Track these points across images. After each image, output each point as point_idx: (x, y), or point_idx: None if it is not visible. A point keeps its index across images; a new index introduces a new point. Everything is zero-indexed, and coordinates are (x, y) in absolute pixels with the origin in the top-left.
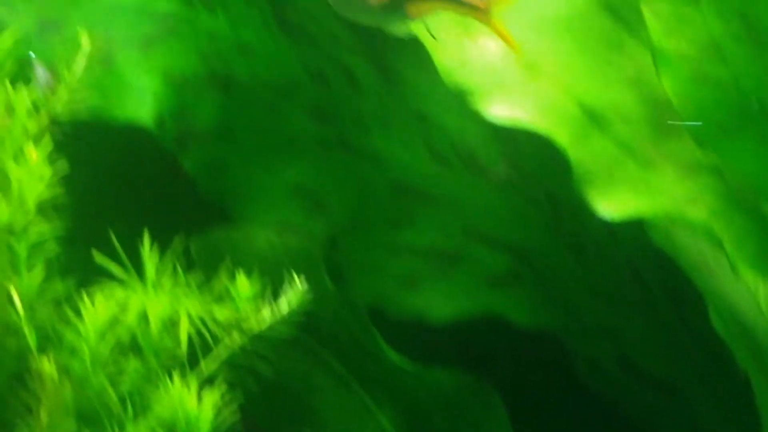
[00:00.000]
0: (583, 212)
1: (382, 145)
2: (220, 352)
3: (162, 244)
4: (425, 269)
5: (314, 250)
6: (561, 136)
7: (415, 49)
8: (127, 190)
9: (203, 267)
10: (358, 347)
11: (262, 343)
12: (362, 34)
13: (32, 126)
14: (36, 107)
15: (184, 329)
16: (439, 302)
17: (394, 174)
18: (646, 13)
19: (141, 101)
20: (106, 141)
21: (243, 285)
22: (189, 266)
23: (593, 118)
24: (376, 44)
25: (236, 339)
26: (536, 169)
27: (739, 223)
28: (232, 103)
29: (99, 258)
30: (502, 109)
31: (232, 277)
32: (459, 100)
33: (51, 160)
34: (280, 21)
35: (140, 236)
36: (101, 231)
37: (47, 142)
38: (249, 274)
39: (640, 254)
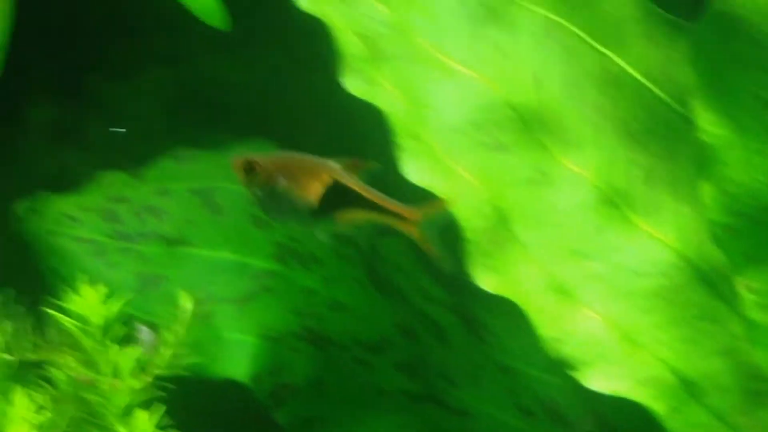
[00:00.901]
0: None
1: (469, 398)
2: None
3: None
4: None
5: None
6: (658, 406)
7: (501, 302)
8: None
9: None
10: None
11: None
12: (450, 288)
13: (137, 385)
14: (140, 367)
15: None
16: None
17: (480, 428)
18: (740, 287)
19: (237, 357)
20: (204, 396)
21: None
22: None
23: (689, 389)
24: (463, 298)
25: None
26: (618, 421)
27: None
28: (325, 358)
29: None
30: (602, 381)
31: None
32: (558, 367)
33: (154, 418)
34: (372, 275)
35: None
36: None
37: (150, 401)
38: None
39: None
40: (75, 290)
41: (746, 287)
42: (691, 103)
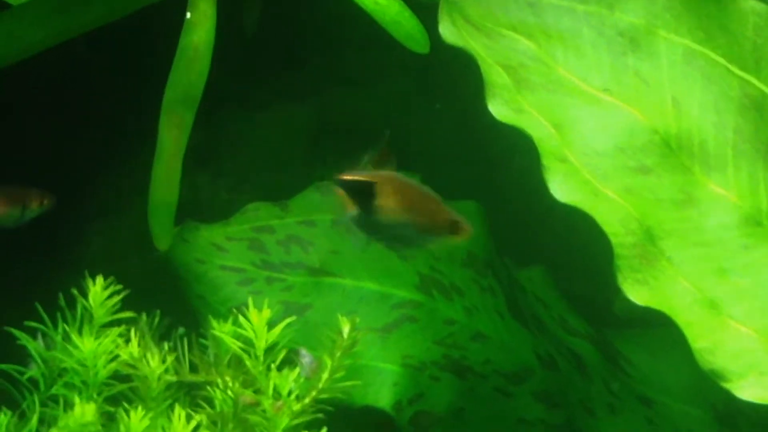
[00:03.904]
0: None
1: (607, 428)
2: None
3: None
4: None
5: None
6: None
7: (641, 333)
8: None
9: None
10: None
11: None
12: (589, 319)
13: (298, 409)
14: (301, 391)
15: None
16: None
17: None
18: None
19: (379, 384)
20: (344, 422)
21: None
22: None
23: None
24: (602, 328)
25: None
26: None
27: None
28: (466, 387)
29: None
30: (755, 390)
31: None
32: (710, 381)
33: None
34: (512, 306)
35: None
36: None
37: (306, 424)
38: None
39: None
40: (241, 314)
41: None
42: None
